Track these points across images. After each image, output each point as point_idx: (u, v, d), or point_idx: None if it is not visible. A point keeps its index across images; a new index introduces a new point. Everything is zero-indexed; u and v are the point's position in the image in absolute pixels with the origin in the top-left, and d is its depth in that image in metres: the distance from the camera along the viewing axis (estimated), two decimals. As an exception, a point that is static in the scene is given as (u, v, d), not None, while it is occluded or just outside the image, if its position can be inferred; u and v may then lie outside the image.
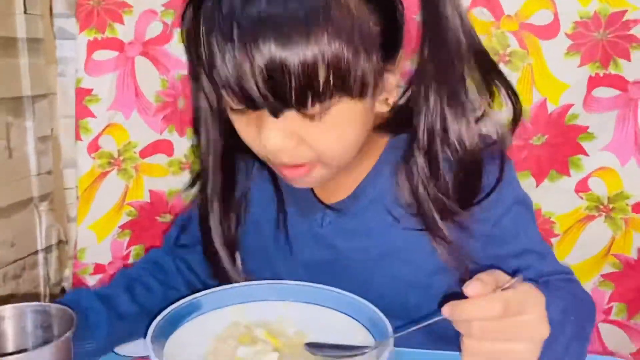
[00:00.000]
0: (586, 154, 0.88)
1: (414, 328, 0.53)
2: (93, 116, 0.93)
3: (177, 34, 0.92)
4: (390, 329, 0.54)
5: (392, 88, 0.57)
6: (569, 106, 0.87)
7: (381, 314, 0.56)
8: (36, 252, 1.09)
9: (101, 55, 0.91)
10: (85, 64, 0.91)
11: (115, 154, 0.95)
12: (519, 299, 0.45)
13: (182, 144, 0.97)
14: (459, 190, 0.59)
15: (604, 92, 0.86)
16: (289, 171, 0.56)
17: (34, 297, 1.09)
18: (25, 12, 1.00)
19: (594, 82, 0.86)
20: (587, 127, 0.87)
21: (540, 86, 0.87)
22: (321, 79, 0.47)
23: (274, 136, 0.51)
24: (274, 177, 0.68)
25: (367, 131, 0.57)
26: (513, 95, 0.60)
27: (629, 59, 0.84)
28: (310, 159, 0.55)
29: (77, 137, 0.94)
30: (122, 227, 0.99)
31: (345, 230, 0.64)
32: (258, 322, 0.61)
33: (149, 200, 0.99)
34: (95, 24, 0.90)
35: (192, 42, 0.53)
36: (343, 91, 0.49)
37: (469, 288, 0.44)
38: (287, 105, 0.49)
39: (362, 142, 0.58)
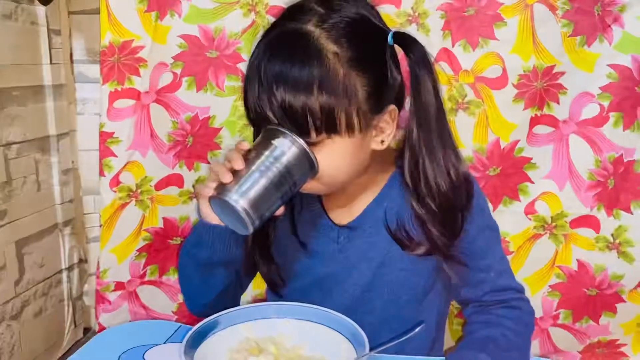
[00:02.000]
0: (531, 182, 1.05)
1: (388, 345, 0.70)
2: (115, 156, 1.06)
3: (185, 82, 1.07)
4: (366, 341, 0.69)
5: (388, 132, 0.75)
6: (517, 142, 1.04)
7: (360, 330, 0.71)
8: (61, 271, 1.23)
9: (121, 103, 1.05)
10: (108, 111, 1.04)
11: (134, 188, 1.09)
12: None
13: (191, 177, 1.10)
14: (443, 227, 0.76)
15: (541, 129, 1.03)
16: None
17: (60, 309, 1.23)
18: (50, 62, 1.14)
19: (533, 122, 1.03)
20: (531, 158, 1.04)
21: (494, 127, 1.03)
22: (314, 119, 0.67)
23: None
24: (292, 212, 0.85)
25: (362, 162, 0.75)
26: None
27: (558, 102, 1.02)
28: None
29: (101, 174, 1.07)
30: (140, 250, 1.12)
31: (356, 244, 0.81)
32: (264, 337, 0.77)
33: (162, 227, 1.12)
34: (116, 77, 1.04)
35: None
36: (332, 130, 0.68)
37: None
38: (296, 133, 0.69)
39: (356, 171, 0.75)
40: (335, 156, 0.71)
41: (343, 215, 0.82)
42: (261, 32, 0.76)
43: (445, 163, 0.75)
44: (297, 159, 0.69)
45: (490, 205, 1.02)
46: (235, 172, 0.68)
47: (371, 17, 0.73)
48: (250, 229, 0.68)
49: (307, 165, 0.69)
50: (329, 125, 0.68)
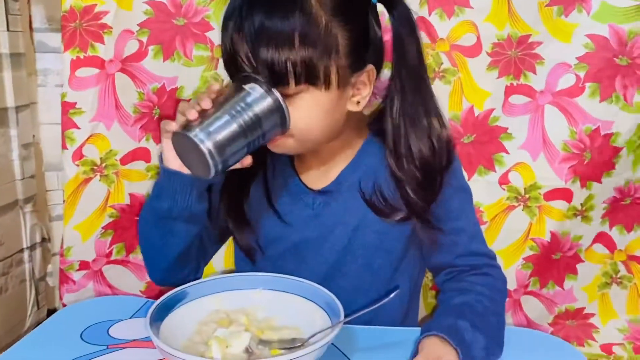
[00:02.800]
0: (507, 152, 1.04)
1: (363, 312, 0.69)
2: (77, 127, 1.02)
3: (151, 50, 1.03)
4: (341, 309, 0.68)
5: (364, 94, 0.73)
6: (491, 110, 1.03)
7: (335, 298, 0.70)
8: (22, 250, 1.18)
9: (84, 72, 1.00)
10: (69, 80, 1.00)
11: (98, 162, 1.04)
12: None
13: (158, 151, 1.06)
14: (421, 190, 0.75)
15: (518, 99, 1.02)
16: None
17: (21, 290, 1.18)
18: (7, 30, 1.08)
19: (509, 91, 1.02)
20: (507, 128, 1.04)
21: (468, 95, 1.02)
22: (295, 70, 0.65)
23: None
24: (265, 177, 0.82)
25: (338, 121, 0.73)
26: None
27: (535, 73, 1.01)
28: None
29: (63, 146, 1.03)
30: (105, 227, 1.08)
31: (331, 209, 0.79)
32: (234, 309, 0.74)
33: (129, 203, 1.08)
34: (78, 43, 0.99)
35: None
36: (310, 81, 0.66)
37: None
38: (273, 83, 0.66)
39: (331, 130, 0.73)
40: (310, 110, 0.69)
41: (317, 180, 0.80)
42: None
43: (428, 128, 0.74)
44: (270, 110, 0.67)
45: (465, 174, 1.01)
46: (203, 112, 0.66)
47: None
48: (212, 172, 0.65)
49: (279, 118, 0.67)
50: (308, 76, 0.66)
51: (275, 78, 0.66)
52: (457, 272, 0.81)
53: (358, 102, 0.73)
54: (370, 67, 0.72)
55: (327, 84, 0.68)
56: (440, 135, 0.75)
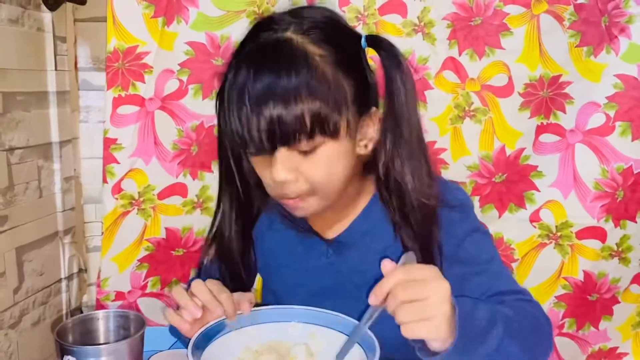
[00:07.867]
0: (537, 190, 1.05)
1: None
2: (117, 162, 1.06)
3: (191, 89, 1.07)
4: (377, 344, 0.68)
5: (371, 136, 0.74)
6: (522, 149, 1.04)
7: (371, 334, 0.70)
8: (60, 280, 1.21)
9: (125, 109, 1.04)
10: (111, 117, 1.04)
11: (136, 196, 1.08)
12: (417, 272, 0.61)
13: (195, 186, 1.10)
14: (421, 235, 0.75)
15: (548, 138, 1.03)
16: (291, 201, 0.73)
17: (58, 320, 1.21)
18: (55, 69, 1.14)
19: (540, 130, 1.03)
20: (537, 167, 1.05)
21: (500, 135, 1.04)
22: (307, 125, 0.66)
23: (279, 170, 0.69)
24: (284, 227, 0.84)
25: (351, 168, 0.74)
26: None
27: (564, 112, 1.02)
28: (306, 191, 0.71)
29: (104, 180, 1.06)
30: (141, 260, 1.11)
31: (347, 258, 0.80)
32: (271, 341, 0.76)
33: (164, 237, 1.11)
34: (120, 82, 1.03)
35: (221, 108, 0.75)
36: (323, 134, 0.68)
37: (384, 266, 0.62)
38: (284, 144, 0.68)
39: (347, 177, 0.74)
40: (329, 161, 0.70)
41: (329, 229, 0.81)
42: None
43: (425, 164, 0.75)
44: None
45: (496, 213, 1.01)
46: None
47: (340, 19, 0.75)
48: None
49: None
50: (322, 129, 0.67)
51: (287, 140, 0.67)
52: None
53: (366, 145, 0.75)
54: (374, 109, 0.74)
55: (341, 134, 0.69)
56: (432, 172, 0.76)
